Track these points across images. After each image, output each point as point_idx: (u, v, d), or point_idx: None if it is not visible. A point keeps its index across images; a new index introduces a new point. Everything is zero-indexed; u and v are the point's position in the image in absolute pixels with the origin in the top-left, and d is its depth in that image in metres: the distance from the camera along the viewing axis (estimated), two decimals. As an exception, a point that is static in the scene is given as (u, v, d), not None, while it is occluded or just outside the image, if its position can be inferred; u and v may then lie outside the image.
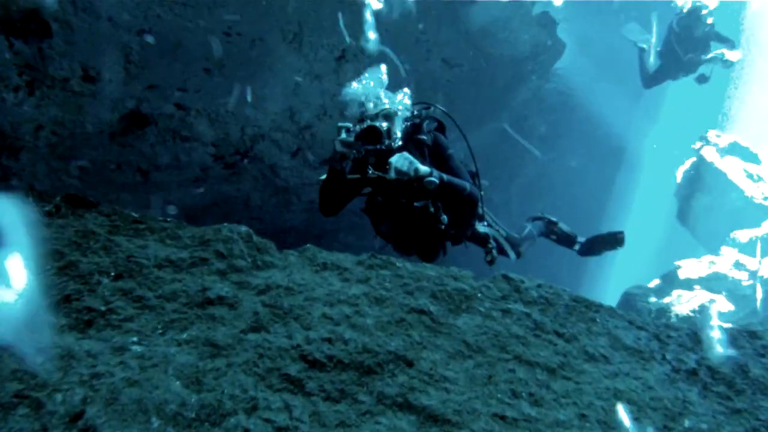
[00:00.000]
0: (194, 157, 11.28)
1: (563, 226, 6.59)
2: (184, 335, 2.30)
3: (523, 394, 2.61)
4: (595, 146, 19.38)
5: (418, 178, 4.27)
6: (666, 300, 10.99)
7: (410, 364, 2.51)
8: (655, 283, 12.83)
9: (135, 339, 2.23)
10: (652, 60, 11.70)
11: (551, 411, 2.57)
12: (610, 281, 27.43)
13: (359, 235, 11.43)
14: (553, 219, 6.58)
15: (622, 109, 19.04)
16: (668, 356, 3.33)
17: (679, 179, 16.10)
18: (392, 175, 4.22)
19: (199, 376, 2.11)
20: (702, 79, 11.34)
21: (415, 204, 4.54)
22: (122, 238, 2.70)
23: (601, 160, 19.97)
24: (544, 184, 19.47)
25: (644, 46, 12.20)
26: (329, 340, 2.48)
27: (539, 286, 3.39)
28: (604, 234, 6.61)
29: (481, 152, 15.32)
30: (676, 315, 10.33)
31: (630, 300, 12.14)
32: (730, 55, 10.68)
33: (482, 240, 5.24)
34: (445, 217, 4.71)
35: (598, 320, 3.34)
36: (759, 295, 10.76)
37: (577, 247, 6.59)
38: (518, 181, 18.68)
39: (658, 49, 11.63)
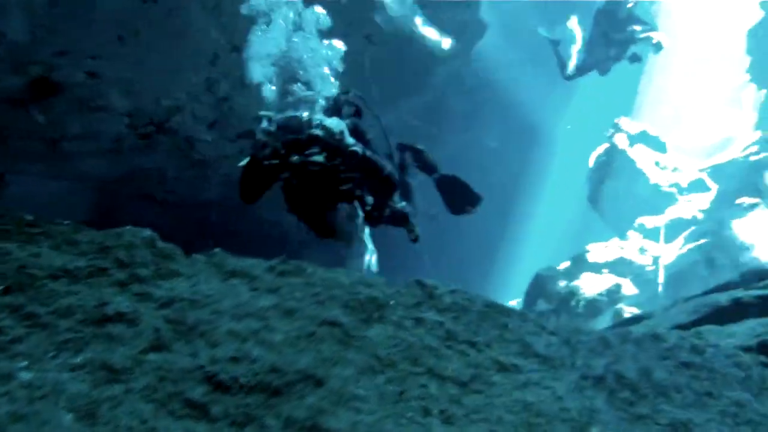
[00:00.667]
0: (106, 128, 10.77)
1: (428, 155, 6.63)
2: (79, 358, 2.15)
3: (435, 411, 2.59)
4: (513, 127, 19.70)
5: (343, 144, 4.44)
6: (575, 283, 11.35)
7: (320, 383, 2.44)
8: (565, 265, 13.23)
9: (24, 364, 2.07)
10: (577, 53, 11.86)
11: (462, 429, 2.56)
12: (522, 261, 28.17)
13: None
14: (419, 147, 6.61)
15: (539, 90, 19.38)
16: (578, 363, 3.39)
17: (591, 164, 16.59)
18: (319, 132, 4.37)
19: (93, 407, 1.98)
20: (635, 58, 11.57)
21: (342, 187, 4.68)
22: (13, 245, 2.50)
23: (518, 140, 20.34)
24: (462, 162, 19.70)
25: (557, 38, 12.37)
26: (236, 359, 2.38)
27: (453, 291, 3.38)
28: (463, 184, 6.59)
29: (400, 129, 15.36)
30: (585, 298, 10.69)
31: (541, 282, 12.49)
32: (658, 36, 10.96)
33: (402, 219, 5.38)
34: (370, 198, 4.86)
35: (510, 326, 3.36)
36: (661, 279, 11.24)
37: (435, 175, 6.60)
38: (438, 156, 18.80)
39: (584, 41, 11.78)
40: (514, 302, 25.65)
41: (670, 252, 11.85)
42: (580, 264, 12.57)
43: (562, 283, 12.02)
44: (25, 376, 2.02)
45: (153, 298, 2.54)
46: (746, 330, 4.76)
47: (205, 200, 14.09)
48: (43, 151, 10.75)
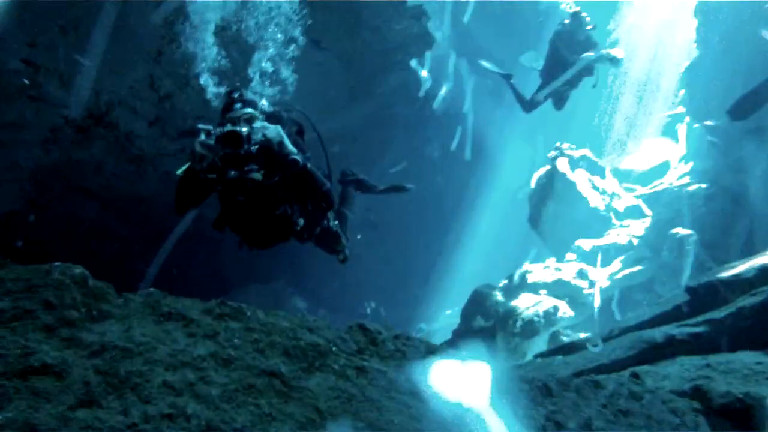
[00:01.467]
0: (42, 118, 10.44)
1: (367, 182, 6.83)
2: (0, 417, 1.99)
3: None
4: (455, 137, 19.82)
5: (284, 153, 4.42)
6: (514, 303, 11.46)
7: (257, 442, 2.34)
8: (503, 282, 13.35)
9: (-64, 423, 1.91)
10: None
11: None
12: (461, 272, 28.36)
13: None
14: (360, 177, 6.79)
15: (486, 105, 19.56)
16: (519, 412, 3.37)
17: (533, 184, 16.82)
18: (257, 143, 4.36)
19: (10, 477, 1.84)
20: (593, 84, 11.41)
21: (276, 212, 4.69)
22: (-71, 284, 2.32)
23: (460, 153, 20.47)
24: (407, 169, 19.76)
25: (501, 72, 12.24)
26: (170, 417, 2.26)
27: (396, 337, 3.32)
28: (396, 185, 7.19)
29: (348, 134, 15.23)
30: (522, 318, 10.79)
31: (479, 299, 12.56)
32: (616, 52, 10.73)
33: (333, 238, 5.50)
34: (301, 220, 4.89)
35: (452, 373, 3.32)
36: (596, 303, 11.45)
37: (376, 191, 6.93)
38: (382, 165, 18.84)
39: (540, 69, 11.61)
40: (449, 311, 25.90)
41: (606, 276, 12.10)
42: (518, 283, 12.71)
43: (500, 301, 12.12)
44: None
45: (83, 344, 2.39)
46: (679, 371, 4.86)
47: (143, 196, 13.79)
48: None
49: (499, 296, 12.30)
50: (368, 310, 19.34)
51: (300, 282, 17.46)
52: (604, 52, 10.77)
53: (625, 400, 3.90)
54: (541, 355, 8.93)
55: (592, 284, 11.90)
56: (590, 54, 10.70)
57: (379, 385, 2.95)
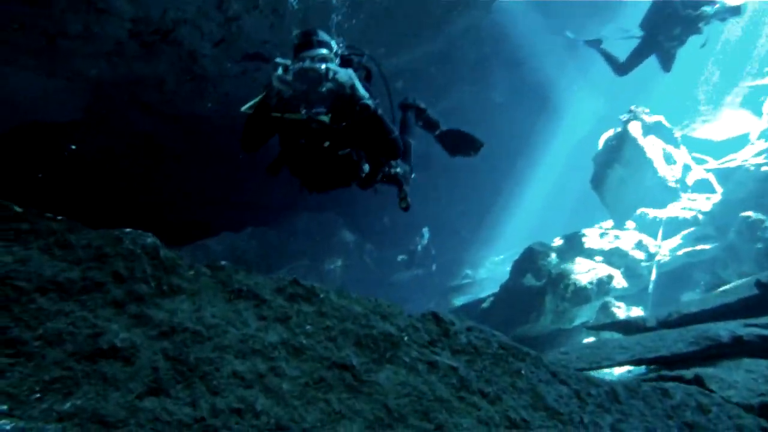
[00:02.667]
0: (108, 30, 10.40)
1: (430, 113, 6.60)
2: (67, 404, 1.88)
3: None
4: (523, 87, 19.31)
5: (356, 97, 4.31)
6: (567, 266, 11.19)
7: (326, 445, 2.22)
8: (558, 242, 13.05)
9: (5, 408, 1.80)
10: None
11: None
12: (514, 223, 28.07)
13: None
14: (422, 106, 6.55)
15: (556, 56, 18.87)
16: (585, 419, 3.20)
17: (600, 145, 16.23)
18: (330, 86, 4.23)
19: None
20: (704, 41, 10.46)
21: (340, 152, 4.58)
22: (-2, 245, 2.19)
23: (527, 102, 19.96)
24: (467, 111, 19.40)
25: (589, 39, 11.43)
26: (239, 412, 2.13)
27: (469, 329, 3.15)
28: (465, 134, 6.59)
29: (413, 70, 14.97)
30: (575, 284, 10.54)
31: (532, 256, 12.31)
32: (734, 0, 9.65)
33: (395, 182, 5.33)
34: (366, 166, 4.78)
35: (523, 372, 3.15)
36: (653, 277, 11.11)
37: (437, 132, 6.59)
38: (442, 104, 18.53)
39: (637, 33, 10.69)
40: (497, 259, 25.74)
41: (666, 250, 11.69)
42: (574, 245, 12.39)
43: (554, 262, 11.86)
44: (5, 425, 1.75)
45: (152, 323, 2.26)
46: (746, 380, 4.62)
47: (201, 114, 13.85)
48: (39, 46, 10.39)
49: (553, 257, 12.03)
50: (419, 247, 19.27)
51: (350, 214, 17.47)
52: (722, 2, 9.72)
53: (692, 413, 3.70)
54: (592, 327, 8.74)
55: (650, 257, 11.52)
56: (708, 7, 9.70)
57: (449, 383, 2.81)
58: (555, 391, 3.20)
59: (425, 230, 19.63)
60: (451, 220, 22.28)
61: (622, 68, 10.85)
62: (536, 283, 11.42)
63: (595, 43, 11.07)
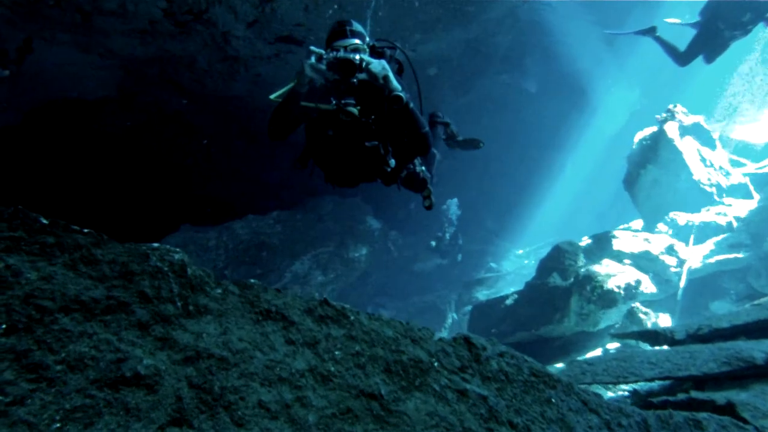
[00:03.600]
0: (142, 9, 10.45)
1: (453, 128, 6.62)
2: (86, 436, 1.82)
3: None
4: (556, 78, 19.05)
5: (389, 88, 4.22)
6: (595, 267, 11.00)
7: (350, 485, 2.14)
8: (586, 242, 12.85)
9: (22, 439, 1.74)
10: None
11: None
12: (541, 217, 27.83)
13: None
14: (448, 120, 6.57)
15: (592, 48, 18.55)
16: (617, 452, 3.10)
17: (634, 144, 15.90)
18: (364, 75, 4.17)
19: None
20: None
21: (366, 143, 4.50)
22: (22, 260, 2.12)
23: (560, 93, 19.70)
24: (498, 99, 19.23)
25: (641, 29, 10.91)
26: (262, 446, 2.06)
27: (501, 355, 3.05)
28: (469, 139, 6.70)
29: (446, 58, 14.82)
30: (601, 287, 10.37)
31: (559, 255, 12.14)
32: None
33: (420, 184, 5.23)
34: (393, 161, 4.69)
35: (553, 401, 3.05)
36: (682, 283, 10.89)
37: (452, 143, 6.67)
38: (474, 93, 18.38)
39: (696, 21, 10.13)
40: (521, 251, 25.54)
41: (697, 256, 11.43)
42: (602, 246, 12.17)
43: (581, 262, 11.68)
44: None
45: (177, 347, 2.19)
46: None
47: (231, 95, 13.90)
48: (74, 22, 10.49)
49: (580, 257, 11.84)
50: (447, 235, 19.14)
51: (376, 200, 17.41)
52: None
53: (724, 446, 3.58)
54: (618, 335, 8.57)
55: (680, 263, 11.28)
56: None
57: (478, 414, 2.71)
58: (585, 421, 3.10)
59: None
60: (477, 210, 22.15)
61: (683, 57, 10.32)
62: (562, 283, 11.26)
63: (650, 32, 10.55)
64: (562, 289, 11.08)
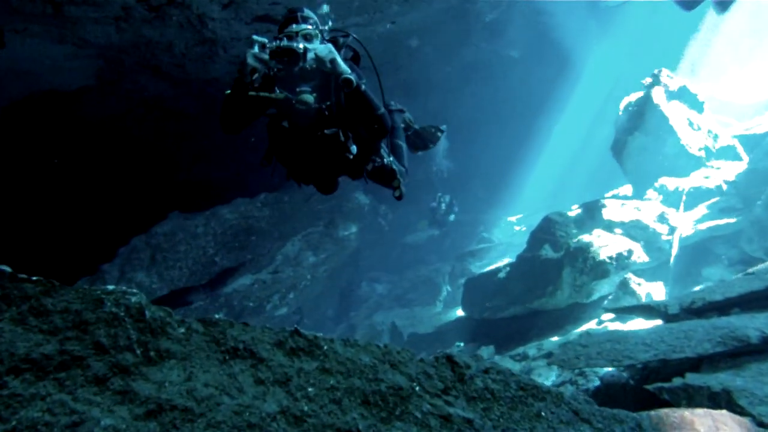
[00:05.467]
0: None
1: (407, 116, 6.37)
2: None
3: None
4: (541, 44, 18.81)
5: (336, 72, 4.15)
6: (586, 238, 10.92)
7: None
8: (576, 212, 12.75)
9: None
10: None
11: None
12: (531, 184, 27.73)
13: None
14: (401, 107, 6.27)
15: (576, 12, 18.27)
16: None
17: (621, 110, 15.70)
18: (311, 62, 4.11)
19: None
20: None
21: (326, 131, 4.43)
22: (-35, 320, 1.98)
23: (544, 58, 19.47)
24: (482, 67, 19.00)
25: None
26: (229, 506, 1.95)
27: (486, 371, 2.94)
28: (426, 129, 6.46)
29: (424, 29, 14.62)
30: (593, 258, 10.29)
31: (549, 226, 12.06)
32: None
33: (389, 175, 5.09)
34: (354, 147, 4.60)
35: (543, 414, 2.95)
36: (674, 251, 10.82)
37: (408, 133, 6.43)
38: (457, 62, 18.17)
39: None
40: (513, 219, 25.50)
41: (689, 222, 11.33)
42: (593, 215, 12.06)
43: (573, 232, 11.60)
44: None
45: (138, 399, 2.06)
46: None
47: (211, 78, 13.71)
48: (45, 12, 10.28)
49: (571, 227, 11.75)
50: (442, 205, 19.01)
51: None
52: None
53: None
54: (612, 309, 8.53)
55: (672, 230, 11.20)
56: None
57: (463, 439, 2.60)
58: (576, 433, 3.01)
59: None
60: (467, 180, 22.02)
61: (688, 2, 10.10)
62: (554, 255, 11.18)
63: None
64: (554, 261, 11.00)
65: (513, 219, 25.32)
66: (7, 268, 2.13)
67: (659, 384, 4.76)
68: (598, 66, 23.86)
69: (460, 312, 14.41)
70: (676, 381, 4.73)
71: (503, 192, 23.82)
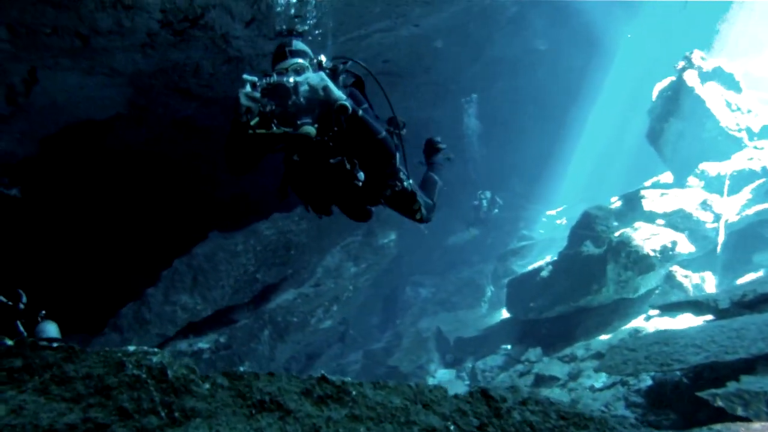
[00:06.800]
0: (139, 23, 10.40)
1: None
2: None
3: None
4: (567, 32, 18.49)
5: (330, 99, 4.06)
6: (628, 232, 10.66)
7: None
8: (616, 204, 12.48)
9: None
10: None
11: None
12: (575, 179, 27.30)
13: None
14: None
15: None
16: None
17: (654, 97, 15.28)
18: (304, 94, 4.03)
19: None
20: None
21: (331, 160, 4.37)
22: (-12, 396, 1.97)
23: (573, 47, 19.14)
24: (509, 63, 18.78)
25: None
26: None
27: (523, 403, 2.84)
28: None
29: (448, 29, 14.53)
30: (636, 251, 10.05)
31: (589, 222, 11.82)
32: None
33: (409, 198, 4.99)
34: (361, 174, 4.50)
35: (585, 444, 2.84)
36: (721, 238, 10.51)
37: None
38: (484, 58, 17.99)
39: None
40: (553, 212, 25.14)
41: (734, 207, 10.96)
42: (633, 206, 11.76)
43: (613, 226, 11.35)
44: None
45: (163, 466, 2.02)
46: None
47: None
48: (74, 46, 10.50)
49: (611, 221, 11.50)
50: (484, 202, 18.79)
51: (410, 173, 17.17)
52: None
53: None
54: (660, 307, 8.30)
55: (717, 217, 10.87)
56: None
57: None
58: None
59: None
60: (504, 176, 21.79)
61: None
62: (596, 251, 10.95)
63: None
64: (597, 257, 10.77)
65: (553, 212, 24.93)
66: (28, 339, 2.11)
67: (712, 390, 4.58)
68: (628, 50, 23.33)
69: (505, 313, 14.25)
70: (731, 386, 4.55)
71: (541, 186, 23.50)
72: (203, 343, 12.63)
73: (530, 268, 14.18)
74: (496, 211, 19.02)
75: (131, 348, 2.24)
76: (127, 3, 9.80)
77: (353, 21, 12.52)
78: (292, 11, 11.42)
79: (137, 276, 13.11)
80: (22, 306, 5.39)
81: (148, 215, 13.61)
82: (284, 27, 11.97)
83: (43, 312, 5.49)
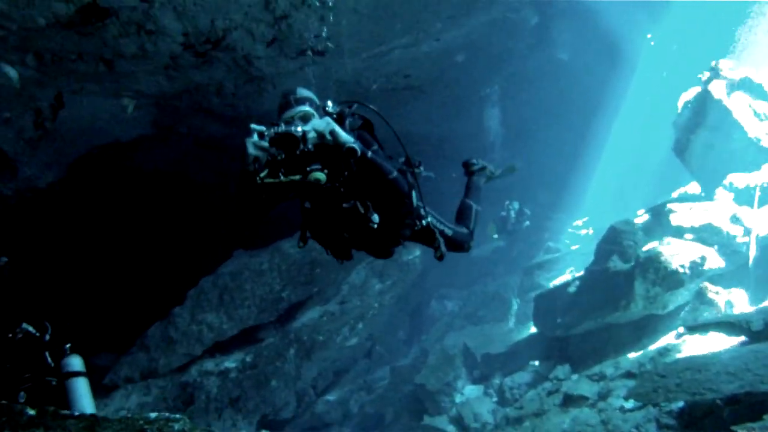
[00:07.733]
0: (161, 47, 10.58)
1: (490, 167, 6.50)
2: None
3: None
4: (589, 42, 18.36)
5: (338, 143, 4.04)
6: (656, 247, 10.51)
7: None
8: (643, 218, 12.32)
9: None
10: None
11: None
12: (601, 189, 27.03)
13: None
14: (483, 165, 6.46)
15: (622, 5, 17.75)
16: None
17: (680, 108, 15.07)
18: (312, 140, 4.01)
19: None
20: None
21: (344, 205, 4.34)
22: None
23: (595, 57, 19.00)
24: (530, 73, 18.69)
25: None
26: None
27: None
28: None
29: (470, 43, 14.52)
30: (665, 267, 9.90)
31: (616, 237, 11.68)
32: None
33: (429, 236, 4.96)
34: (376, 216, 4.45)
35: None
36: (752, 252, 10.31)
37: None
38: (507, 71, 17.94)
39: None
40: (580, 222, 24.94)
41: (765, 220, 10.74)
42: (660, 221, 11.61)
43: (641, 241, 11.20)
44: None
45: None
46: None
47: (264, 112, 13.98)
48: (98, 71, 10.74)
49: (639, 236, 11.35)
50: (512, 212, 18.63)
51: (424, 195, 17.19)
52: None
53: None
54: (691, 327, 8.15)
55: (747, 231, 10.67)
56: None
57: None
58: None
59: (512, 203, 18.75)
60: (529, 187, 21.70)
61: None
62: (623, 267, 10.81)
63: None
64: (624, 273, 10.63)
65: (579, 222, 24.73)
66: (50, 408, 2.11)
67: (749, 425, 4.46)
68: (650, 57, 23.08)
69: (532, 328, 14.12)
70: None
71: (567, 196, 23.33)
72: (230, 363, 12.68)
73: (557, 282, 14.05)
74: (527, 223, 18.78)
75: (153, 415, 2.22)
76: (150, 28, 9.97)
77: (374, 38, 12.55)
78: (313, 31, 11.50)
79: (164, 295, 13.23)
80: (47, 337, 5.45)
81: (174, 234, 13.73)
82: (304, 47, 12.06)
83: (69, 345, 5.53)
